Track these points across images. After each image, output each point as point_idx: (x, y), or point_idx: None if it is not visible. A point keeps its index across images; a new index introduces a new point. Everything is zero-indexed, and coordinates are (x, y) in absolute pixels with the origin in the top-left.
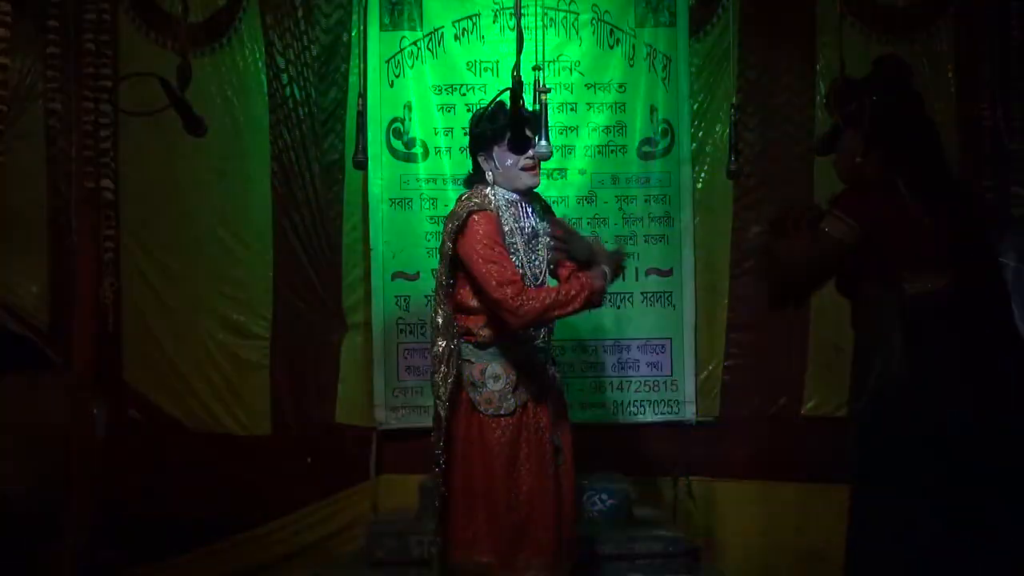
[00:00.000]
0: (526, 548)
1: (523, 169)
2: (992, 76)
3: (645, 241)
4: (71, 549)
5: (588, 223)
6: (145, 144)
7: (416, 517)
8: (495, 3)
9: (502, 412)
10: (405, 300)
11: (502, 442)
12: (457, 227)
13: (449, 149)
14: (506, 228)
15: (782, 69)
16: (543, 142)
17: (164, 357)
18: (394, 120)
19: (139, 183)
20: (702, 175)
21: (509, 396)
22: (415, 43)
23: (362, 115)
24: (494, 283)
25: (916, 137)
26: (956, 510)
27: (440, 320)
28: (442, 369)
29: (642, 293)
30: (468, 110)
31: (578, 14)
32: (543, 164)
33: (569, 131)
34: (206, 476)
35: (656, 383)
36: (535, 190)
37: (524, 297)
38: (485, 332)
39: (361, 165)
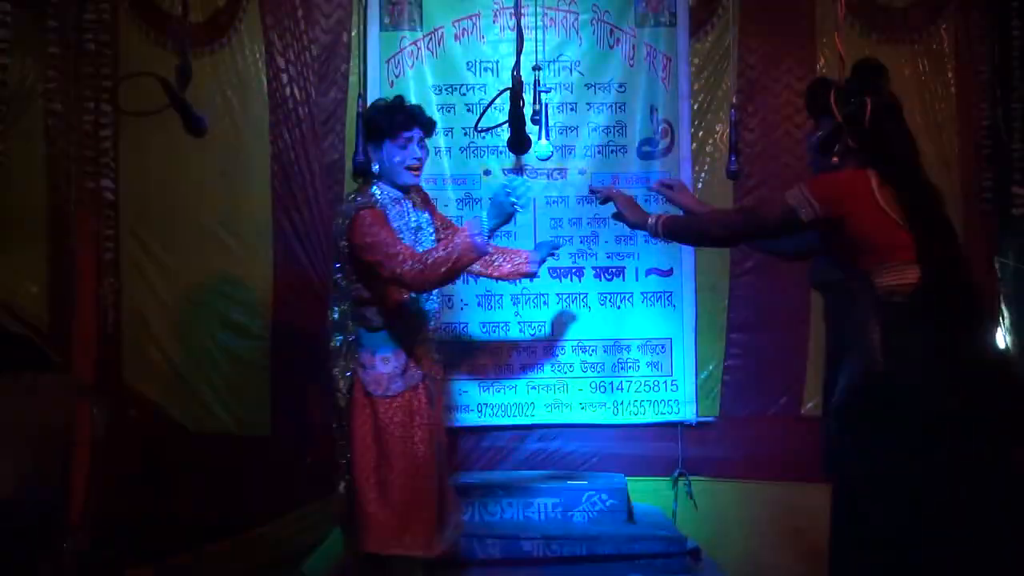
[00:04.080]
0: (417, 525)
1: (407, 168)
2: (992, 76)
3: (645, 241)
4: (71, 549)
5: (588, 223)
6: (145, 144)
7: None
8: (495, 3)
9: (391, 393)
10: None
11: (395, 421)
12: (348, 224)
13: (449, 149)
14: (393, 225)
15: (782, 69)
16: (543, 141)
17: (164, 357)
18: None
19: (139, 183)
20: (702, 175)
21: (399, 378)
22: (415, 43)
23: (362, 115)
24: (386, 261)
25: (891, 139)
26: (934, 506)
27: (336, 316)
28: (340, 363)
29: (642, 293)
30: (468, 110)
31: (578, 14)
32: (544, 164)
33: (569, 131)
34: (206, 476)
35: (656, 383)
36: (417, 183)
37: (414, 263)
38: (376, 319)
39: (361, 166)
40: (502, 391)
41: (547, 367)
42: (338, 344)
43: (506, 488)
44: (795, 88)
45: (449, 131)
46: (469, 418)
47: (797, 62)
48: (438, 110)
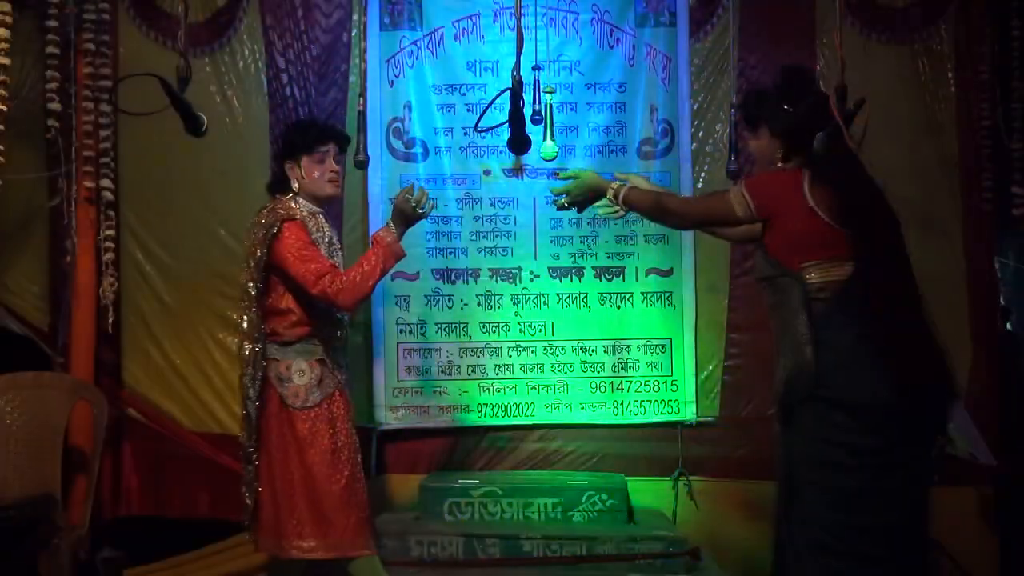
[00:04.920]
0: (340, 530)
1: (328, 181)
2: (992, 76)
3: (645, 241)
4: (71, 549)
5: (588, 223)
6: (145, 144)
7: (416, 517)
8: (495, 3)
9: (309, 404)
10: (405, 300)
11: (312, 432)
12: (272, 235)
13: (449, 149)
14: (312, 238)
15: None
16: (548, 142)
17: (164, 357)
18: (394, 120)
19: (139, 183)
20: (702, 175)
21: (315, 389)
22: (415, 43)
23: (362, 115)
24: (313, 279)
25: (826, 139)
26: (863, 494)
27: (245, 324)
28: (248, 371)
29: (642, 293)
30: (468, 110)
31: (578, 14)
32: (545, 164)
33: (569, 131)
34: (206, 476)
35: (656, 383)
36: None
37: (340, 281)
38: (290, 331)
39: (361, 165)
40: (502, 391)
41: (547, 367)
42: (246, 353)
43: (506, 488)
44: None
45: (449, 131)
46: (469, 418)
47: (797, 62)
48: (438, 110)
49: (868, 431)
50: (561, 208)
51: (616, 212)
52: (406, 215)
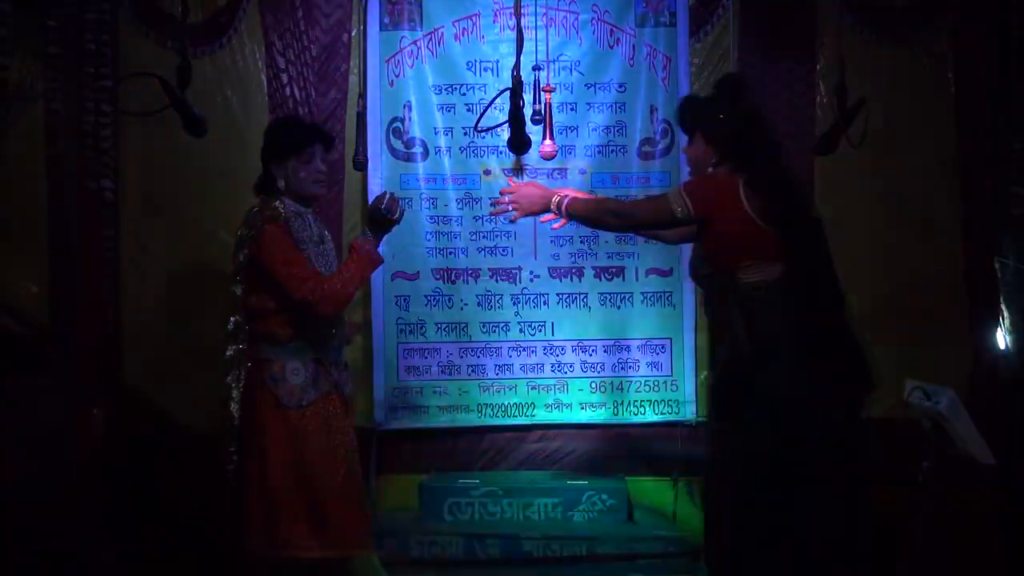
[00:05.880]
0: (336, 529)
1: (315, 182)
2: (992, 76)
3: (645, 241)
4: (71, 549)
5: None
6: (145, 144)
7: (416, 517)
8: (495, 3)
9: (304, 403)
10: (405, 300)
11: (308, 431)
12: (252, 236)
13: (449, 149)
14: (296, 237)
15: (782, 69)
16: (547, 142)
17: (164, 357)
18: (394, 120)
19: (139, 183)
20: None
21: (310, 388)
22: (415, 43)
23: (362, 115)
24: (295, 284)
25: (753, 147)
26: (795, 474)
27: (231, 326)
28: (233, 372)
29: (642, 293)
30: (468, 110)
31: (578, 14)
32: (546, 163)
33: (569, 131)
34: (206, 476)
35: (656, 383)
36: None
37: (322, 288)
38: (284, 331)
39: (361, 165)
40: (502, 391)
41: (547, 367)
42: (231, 354)
43: (506, 488)
44: (795, 88)
45: (449, 131)
46: (469, 418)
47: (797, 62)
48: (438, 110)
49: (798, 417)
50: (497, 212)
51: (560, 222)
52: (377, 222)
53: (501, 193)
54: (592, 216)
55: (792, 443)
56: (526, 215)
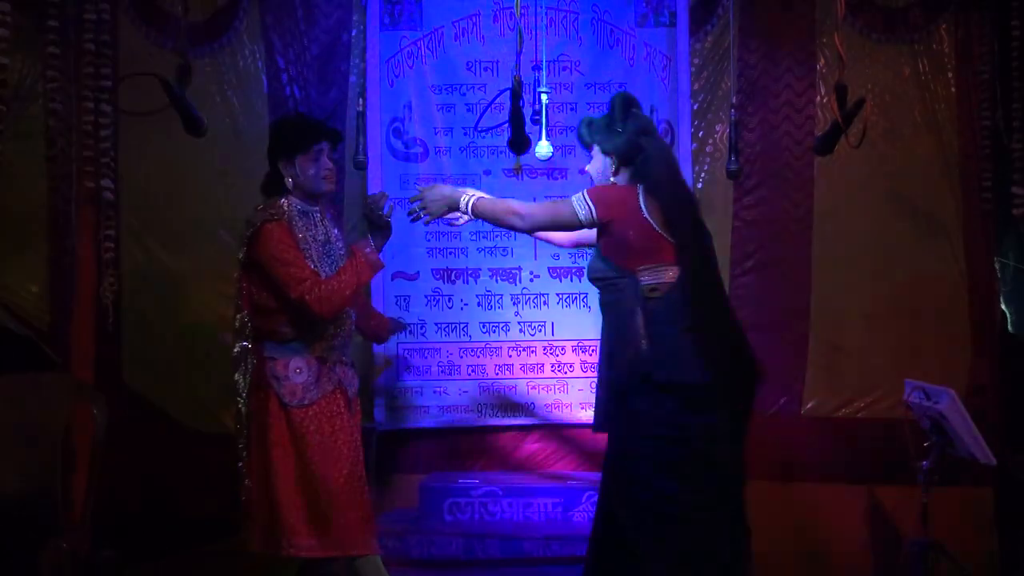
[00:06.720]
0: (339, 529)
1: (324, 178)
2: (992, 76)
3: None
4: (71, 549)
5: None
6: (145, 144)
7: (416, 517)
8: (495, 3)
9: (306, 402)
10: (405, 300)
11: (310, 430)
12: (252, 235)
13: (449, 149)
14: (299, 236)
15: (782, 69)
16: (543, 142)
17: (164, 357)
18: (394, 120)
19: (139, 183)
20: (702, 175)
21: (313, 387)
22: (415, 43)
23: (362, 115)
24: (292, 283)
25: (648, 158)
26: (688, 461)
27: (236, 323)
28: (241, 367)
29: None
30: (468, 110)
31: (578, 14)
32: (545, 163)
33: (569, 131)
34: (206, 476)
35: None
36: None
37: (319, 289)
38: (286, 330)
39: (361, 165)
40: (501, 391)
41: (547, 367)
42: (238, 351)
43: (506, 488)
44: (795, 88)
45: (449, 131)
46: (469, 418)
47: (797, 62)
48: (438, 110)
49: (694, 409)
50: (415, 216)
51: (461, 219)
52: (371, 222)
53: (411, 200)
54: (496, 216)
55: (687, 437)
56: (438, 217)
